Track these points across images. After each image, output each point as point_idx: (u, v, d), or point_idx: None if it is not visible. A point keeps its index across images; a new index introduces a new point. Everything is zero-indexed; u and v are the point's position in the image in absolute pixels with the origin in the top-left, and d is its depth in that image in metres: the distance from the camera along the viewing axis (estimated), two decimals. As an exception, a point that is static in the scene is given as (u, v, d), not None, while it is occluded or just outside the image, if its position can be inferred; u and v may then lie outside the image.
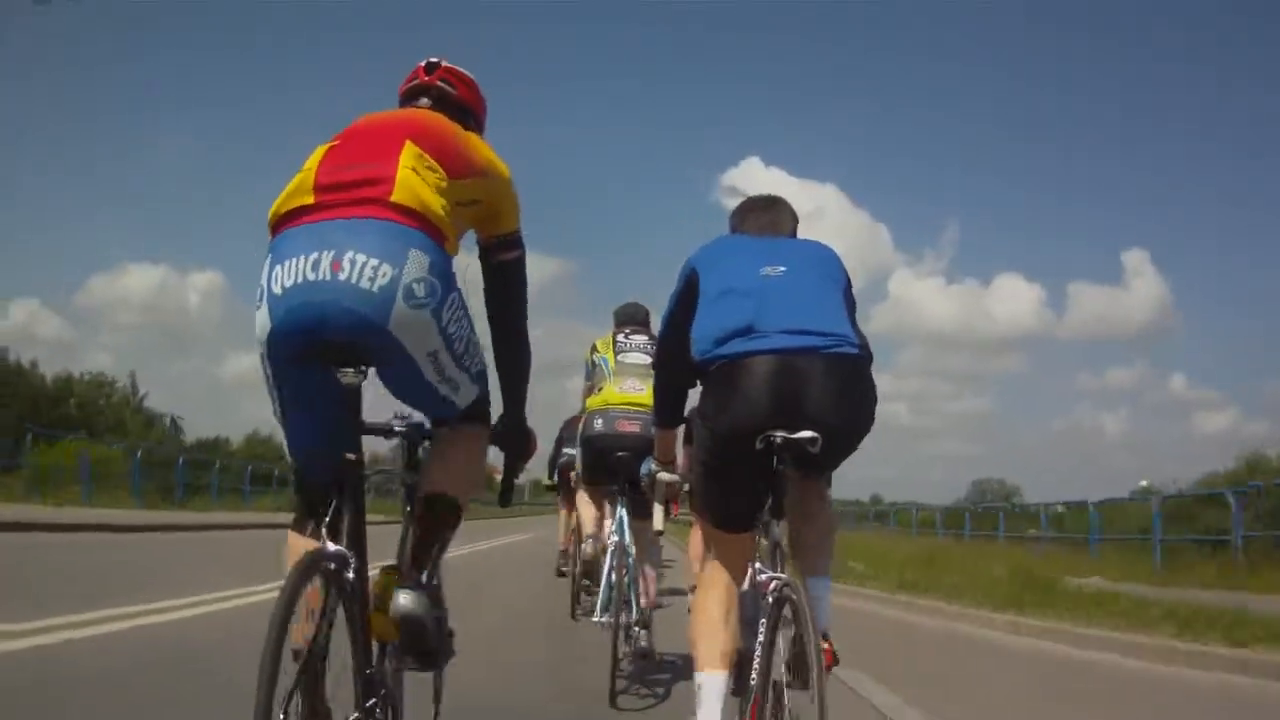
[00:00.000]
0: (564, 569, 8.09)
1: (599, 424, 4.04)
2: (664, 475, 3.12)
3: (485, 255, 2.14)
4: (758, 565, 2.28)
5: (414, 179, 1.83)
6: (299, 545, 1.85)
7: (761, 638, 2.09)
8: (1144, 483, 27.69)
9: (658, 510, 6.91)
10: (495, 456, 2.22)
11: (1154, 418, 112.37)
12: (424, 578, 1.82)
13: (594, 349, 4.35)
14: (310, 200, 1.81)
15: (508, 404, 2.19)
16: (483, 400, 2.04)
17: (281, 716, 1.47)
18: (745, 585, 2.36)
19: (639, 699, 3.72)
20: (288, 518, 2.01)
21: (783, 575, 2.17)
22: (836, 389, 2.17)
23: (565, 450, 7.70)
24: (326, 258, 1.71)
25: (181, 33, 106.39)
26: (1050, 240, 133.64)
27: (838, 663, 2.21)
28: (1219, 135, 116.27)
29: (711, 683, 2.23)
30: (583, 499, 4.66)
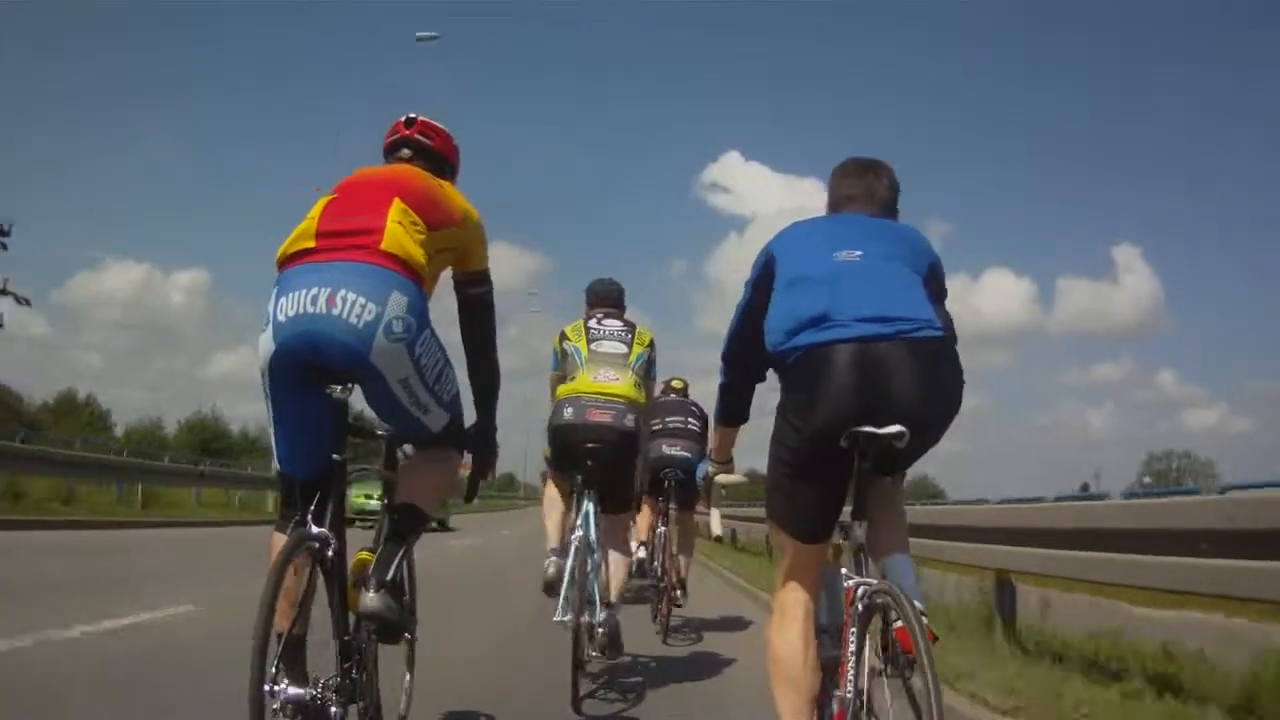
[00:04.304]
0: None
1: (568, 412, 3.77)
2: (723, 477, 2.92)
3: (458, 289, 2.48)
4: (844, 571, 2.15)
5: (400, 231, 2.17)
6: (280, 544, 2.09)
7: (853, 646, 1.99)
8: (1147, 479, 27.37)
9: (714, 514, 6.42)
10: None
11: (1142, 414, 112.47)
12: (389, 574, 2.11)
13: (564, 336, 4.07)
14: (312, 244, 2.15)
15: (479, 416, 2.53)
16: (455, 426, 2.35)
17: (273, 670, 1.82)
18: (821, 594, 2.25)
19: (605, 703, 3.56)
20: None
21: (871, 580, 2.06)
22: (922, 376, 2.03)
23: None
24: (324, 294, 2.04)
25: (166, 29, 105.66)
26: (1040, 235, 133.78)
27: (937, 639, 2.01)
28: (1209, 131, 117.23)
29: None
30: (550, 501, 4.20)
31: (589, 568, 3.55)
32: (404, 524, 2.23)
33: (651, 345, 4.10)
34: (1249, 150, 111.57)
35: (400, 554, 2.15)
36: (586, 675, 3.57)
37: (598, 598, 3.59)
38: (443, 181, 2.47)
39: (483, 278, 2.49)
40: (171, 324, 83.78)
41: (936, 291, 2.23)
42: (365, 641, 2.15)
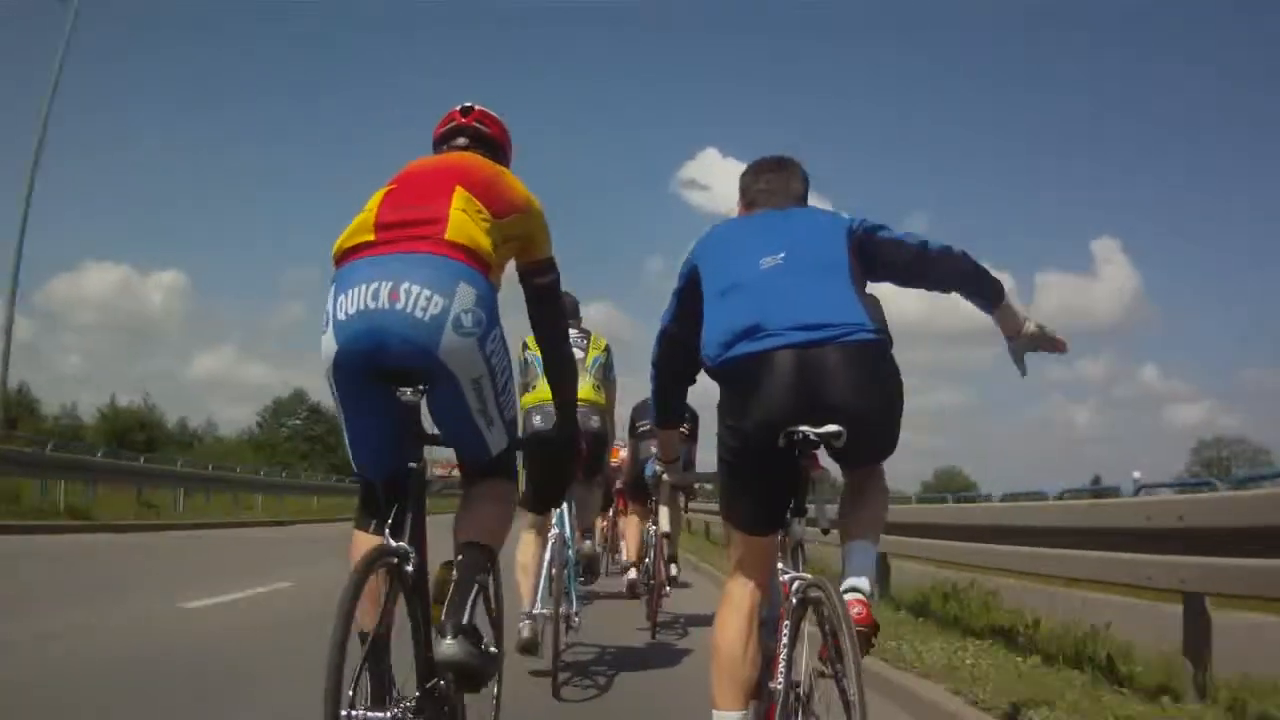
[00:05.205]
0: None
1: (538, 420, 4.06)
2: (668, 476, 3.17)
3: (524, 280, 2.40)
4: (780, 565, 2.24)
5: (464, 219, 2.07)
6: (362, 540, 2.06)
7: (785, 639, 2.06)
8: (1136, 474, 27.42)
9: (663, 512, 6.82)
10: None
11: (1125, 410, 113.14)
12: (464, 617, 1.92)
13: (525, 346, 4.32)
14: (371, 237, 2.05)
15: (560, 411, 2.47)
16: (509, 453, 2.24)
17: (350, 693, 1.66)
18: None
19: (580, 690, 3.83)
20: None
21: (806, 575, 2.12)
22: (857, 377, 2.08)
23: None
24: (385, 287, 1.93)
25: (149, 31, 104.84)
26: (1017, 228, 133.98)
27: (878, 629, 2.09)
28: (1188, 122, 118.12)
29: None
30: (526, 554, 4.13)
31: (565, 563, 3.87)
32: (471, 566, 2.05)
33: (607, 350, 4.43)
34: (1244, 148, 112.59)
35: (472, 597, 1.98)
36: (565, 665, 3.86)
37: (574, 591, 3.92)
38: (503, 169, 2.41)
39: (548, 265, 2.41)
40: (153, 325, 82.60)
41: (864, 263, 2.27)
42: None
